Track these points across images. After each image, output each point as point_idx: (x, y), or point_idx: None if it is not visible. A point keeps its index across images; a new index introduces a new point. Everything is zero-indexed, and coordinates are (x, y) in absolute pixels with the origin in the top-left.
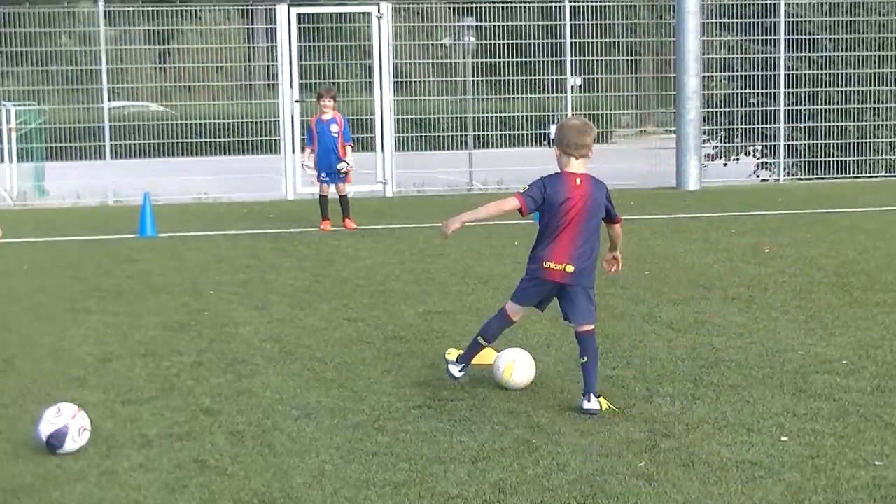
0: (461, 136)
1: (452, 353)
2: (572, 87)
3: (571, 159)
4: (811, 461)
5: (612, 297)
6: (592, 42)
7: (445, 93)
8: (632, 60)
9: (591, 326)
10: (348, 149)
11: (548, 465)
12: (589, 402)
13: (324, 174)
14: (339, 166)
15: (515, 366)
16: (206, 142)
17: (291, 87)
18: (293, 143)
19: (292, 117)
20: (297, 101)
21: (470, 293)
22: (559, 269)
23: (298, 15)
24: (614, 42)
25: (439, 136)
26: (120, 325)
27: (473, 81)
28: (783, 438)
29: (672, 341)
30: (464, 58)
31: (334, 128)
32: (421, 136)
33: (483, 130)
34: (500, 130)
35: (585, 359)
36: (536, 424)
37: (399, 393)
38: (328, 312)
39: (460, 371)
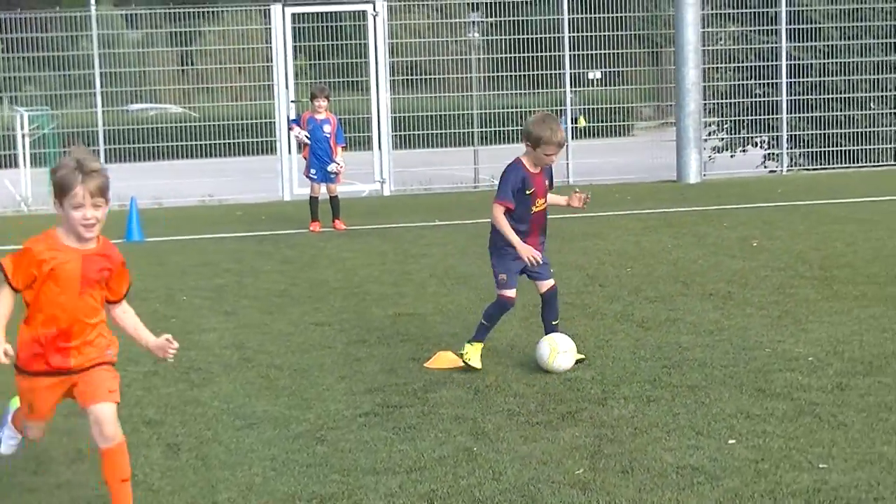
0: (466, 132)
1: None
2: (592, 79)
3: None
4: (755, 465)
5: (589, 296)
6: (612, 35)
7: (450, 90)
8: (652, 52)
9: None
10: (339, 150)
11: (483, 475)
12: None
13: (313, 172)
14: (329, 168)
15: (559, 352)
16: (221, 143)
17: (287, 87)
18: (289, 145)
19: (288, 118)
20: (293, 101)
21: (445, 294)
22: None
23: (293, 15)
24: (636, 35)
25: (444, 133)
26: None
27: (479, 78)
28: (731, 441)
29: (639, 340)
30: (469, 54)
31: (327, 128)
32: (426, 134)
33: (489, 127)
34: (507, 126)
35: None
36: (482, 431)
37: (349, 400)
38: (297, 317)
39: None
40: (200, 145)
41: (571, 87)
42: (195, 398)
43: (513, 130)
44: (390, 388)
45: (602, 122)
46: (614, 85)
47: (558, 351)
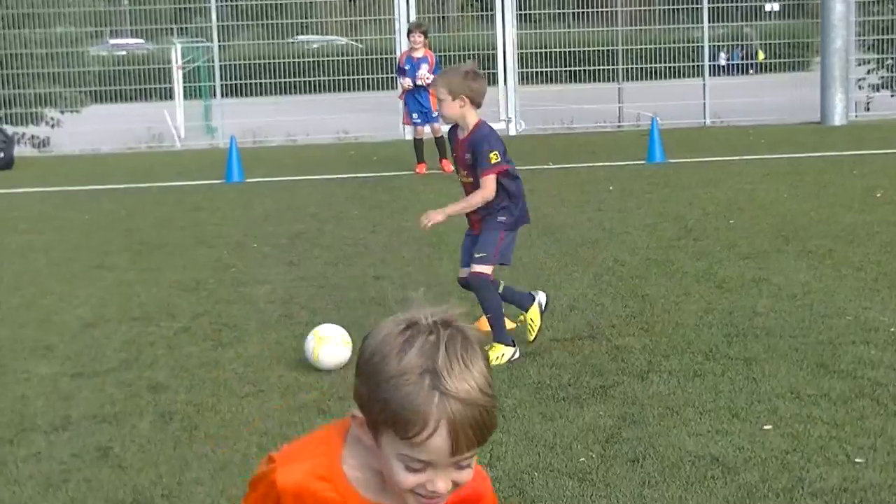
0: (606, 69)
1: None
2: (769, 12)
3: (475, 110)
4: (783, 457)
5: (676, 251)
6: None
7: (592, 24)
8: None
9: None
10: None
11: (483, 458)
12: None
13: (415, 115)
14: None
15: (323, 344)
16: (381, 77)
17: (408, 20)
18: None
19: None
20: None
21: (526, 246)
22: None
23: None
24: None
25: (588, 69)
26: (133, 284)
27: (622, 12)
28: (766, 427)
29: (711, 304)
30: None
31: (424, 67)
32: (568, 71)
33: (635, 63)
34: (653, 63)
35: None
36: (503, 408)
37: (349, 371)
38: (361, 269)
39: (513, 352)
40: (361, 79)
41: (712, 21)
42: (214, 360)
43: (659, 67)
44: None
45: (780, 57)
46: (792, 18)
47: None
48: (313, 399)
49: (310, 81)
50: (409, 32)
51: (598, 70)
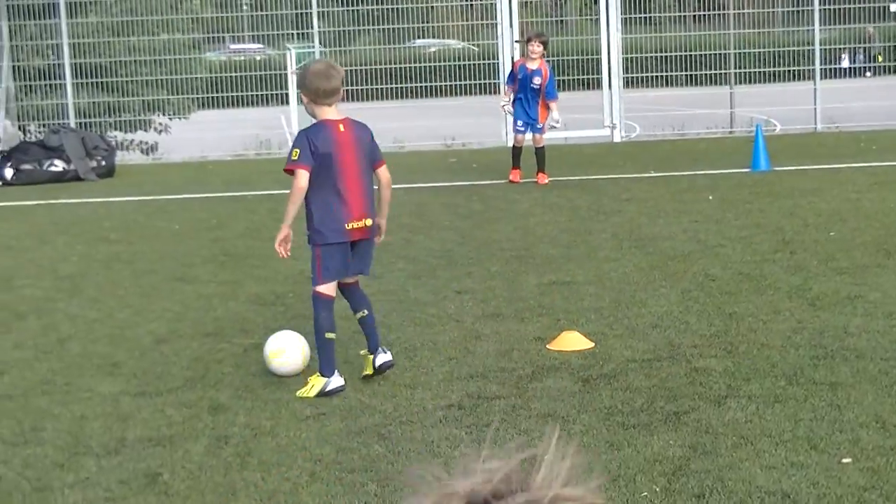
0: (720, 73)
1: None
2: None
3: (324, 108)
4: (858, 495)
5: (772, 265)
6: None
7: (703, 27)
8: None
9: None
10: (553, 105)
11: None
12: (385, 353)
13: (520, 122)
14: (548, 121)
15: (284, 353)
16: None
17: (511, 26)
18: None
19: (511, 58)
20: (516, 41)
21: (614, 259)
22: (360, 226)
23: None
24: None
25: (698, 73)
26: (211, 298)
27: (734, 14)
28: (845, 461)
29: (801, 322)
30: None
31: (537, 80)
32: (679, 75)
33: (747, 67)
34: (767, 66)
35: (365, 312)
36: (570, 434)
37: (441, 388)
38: (443, 283)
39: (335, 383)
40: (473, 84)
41: (827, 23)
42: (280, 379)
43: (773, 71)
44: (493, 375)
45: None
46: None
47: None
48: (374, 423)
49: (423, 87)
50: (528, 41)
51: (709, 74)
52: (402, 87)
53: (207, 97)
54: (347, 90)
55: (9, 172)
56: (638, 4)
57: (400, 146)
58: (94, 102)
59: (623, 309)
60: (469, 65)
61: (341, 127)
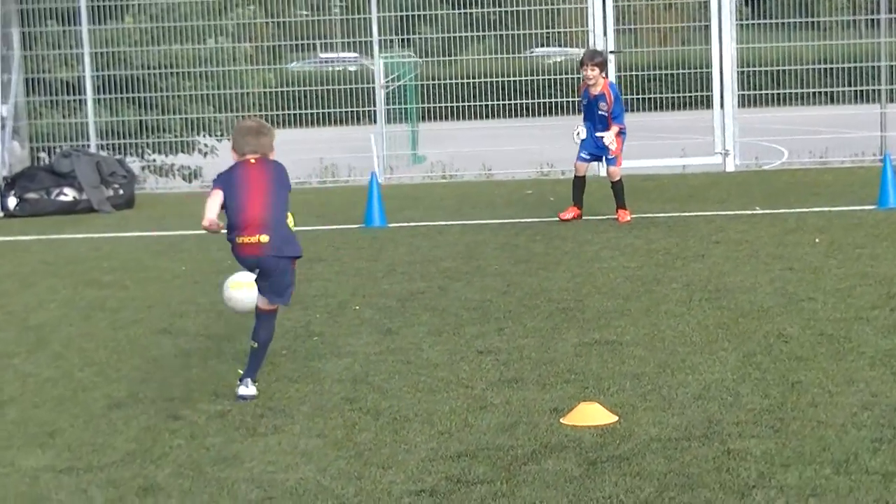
0: (870, 90)
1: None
2: None
3: (237, 156)
4: None
5: (862, 324)
6: None
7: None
8: None
9: (276, 307)
10: (612, 129)
11: None
12: (247, 387)
13: (584, 152)
14: (604, 140)
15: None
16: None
17: (605, 35)
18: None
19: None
20: (611, 52)
21: (677, 315)
22: (253, 241)
23: None
24: None
25: (840, 90)
26: (191, 354)
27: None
28: None
29: (876, 396)
30: None
31: (603, 106)
32: (814, 92)
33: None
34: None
35: (256, 344)
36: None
37: (418, 468)
38: (468, 340)
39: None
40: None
41: None
42: (235, 454)
43: None
44: (486, 454)
45: None
46: None
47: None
48: None
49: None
50: (582, 65)
51: (855, 91)
52: (513, 105)
53: (271, 115)
54: (451, 107)
55: (12, 202)
56: (758, 8)
57: (488, 174)
58: (122, 121)
59: (666, 376)
60: (563, 79)
61: (252, 160)
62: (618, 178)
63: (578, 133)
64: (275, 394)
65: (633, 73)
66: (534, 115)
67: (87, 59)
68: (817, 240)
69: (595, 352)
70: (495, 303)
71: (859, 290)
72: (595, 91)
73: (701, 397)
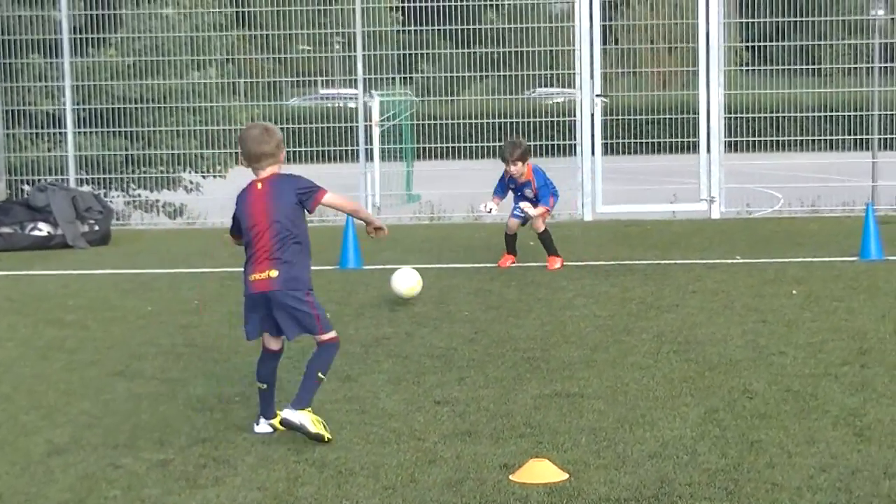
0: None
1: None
2: None
3: (257, 171)
4: None
5: (830, 381)
6: None
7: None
8: None
9: (324, 336)
10: (540, 208)
11: None
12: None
13: (517, 212)
14: (521, 207)
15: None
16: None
17: (592, 77)
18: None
19: (591, 115)
20: (597, 95)
21: (643, 367)
22: (262, 277)
23: None
24: None
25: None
26: (143, 399)
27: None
28: None
29: (835, 458)
30: (869, 37)
31: (528, 192)
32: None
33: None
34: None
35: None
36: None
37: None
38: (425, 391)
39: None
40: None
41: None
42: None
43: None
44: None
45: None
46: None
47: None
48: None
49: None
50: (504, 161)
51: (851, 139)
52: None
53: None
54: (449, 148)
55: None
56: (754, 55)
57: (476, 215)
58: (103, 155)
59: (623, 432)
60: (564, 121)
61: (259, 185)
62: (542, 230)
63: (488, 208)
64: (221, 443)
65: (621, 116)
66: (534, 155)
67: (67, 92)
68: (794, 291)
69: (554, 404)
70: (460, 351)
71: (831, 345)
72: (521, 180)
73: (656, 455)
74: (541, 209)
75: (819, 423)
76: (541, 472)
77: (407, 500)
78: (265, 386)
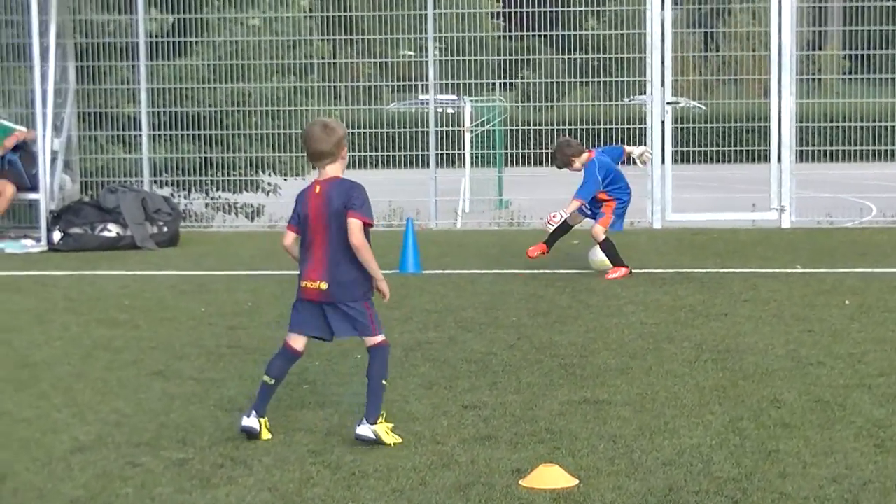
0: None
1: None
2: None
3: (319, 169)
4: None
5: (862, 391)
6: None
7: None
8: None
9: (375, 339)
10: (570, 205)
11: None
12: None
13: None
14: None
15: None
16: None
17: (662, 85)
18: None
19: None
20: (668, 102)
21: (677, 375)
22: (314, 287)
23: None
24: None
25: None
26: (175, 398)
27: None
28: None
29: (849, 469)
30: None
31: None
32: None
33: None
34: None
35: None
36: None
37: None
38: (455, 395)
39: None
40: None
41: None
42: None
43: None
44: None
45: None
46: None
47: None
48: None
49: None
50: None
51: None
52: None
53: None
54: (543, 154)
55: (56, 236)
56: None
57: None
58: (182, 158)
59: (643, 439)
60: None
61: (317, 189)
62: (602, 239)
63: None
64: (242, 443)
65: (694, 124)
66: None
67: (143, 95)
68: (847, 302)
69: (580, 411)
70: (499, 356)
71: (871, 356)
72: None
73: (670, 463)
74: (573, 206)
75: (841, 434)
76: (551, 477)
77: (412, 503)
78: (272, 381)
